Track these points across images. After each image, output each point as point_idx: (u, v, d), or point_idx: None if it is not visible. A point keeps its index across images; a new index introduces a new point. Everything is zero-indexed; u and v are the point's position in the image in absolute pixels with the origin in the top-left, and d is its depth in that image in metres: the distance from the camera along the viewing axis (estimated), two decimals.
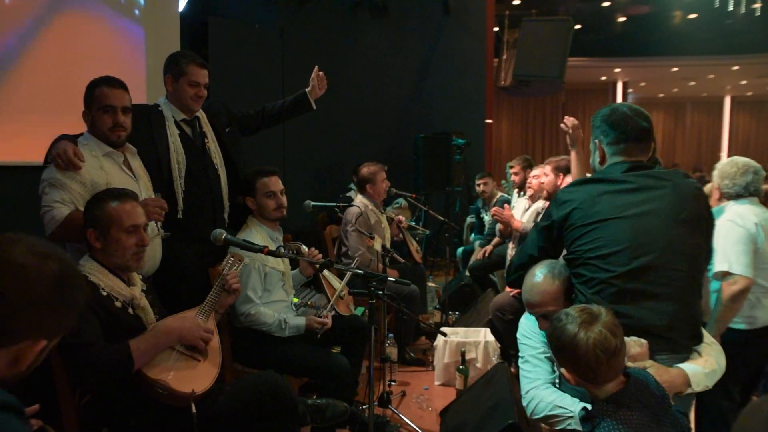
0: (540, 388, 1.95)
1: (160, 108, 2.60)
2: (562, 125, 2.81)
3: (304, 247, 2.82)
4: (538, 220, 2.73)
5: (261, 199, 2.74)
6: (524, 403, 2.00)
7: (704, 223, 1.92)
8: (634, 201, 1.88)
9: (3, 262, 1.03)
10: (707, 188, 2.69)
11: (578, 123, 2.75)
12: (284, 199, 2.78)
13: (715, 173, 2.66)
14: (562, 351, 1.58)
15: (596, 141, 2.04)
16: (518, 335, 2.20)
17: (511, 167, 5.09)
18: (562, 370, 1.61)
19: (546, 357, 2.07)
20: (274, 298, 2.72)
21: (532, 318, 2.19)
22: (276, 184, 2.75)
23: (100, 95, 2.22)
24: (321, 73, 3.05)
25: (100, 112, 2.22)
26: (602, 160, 2.03)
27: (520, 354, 2.16)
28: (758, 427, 0.86)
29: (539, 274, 2.01)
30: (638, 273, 1.80)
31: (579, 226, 1.90)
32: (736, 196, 2.54)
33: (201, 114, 2.70)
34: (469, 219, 6.41)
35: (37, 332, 1.05)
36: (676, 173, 1.99)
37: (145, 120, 2.51)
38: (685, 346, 1.83)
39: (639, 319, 1.76)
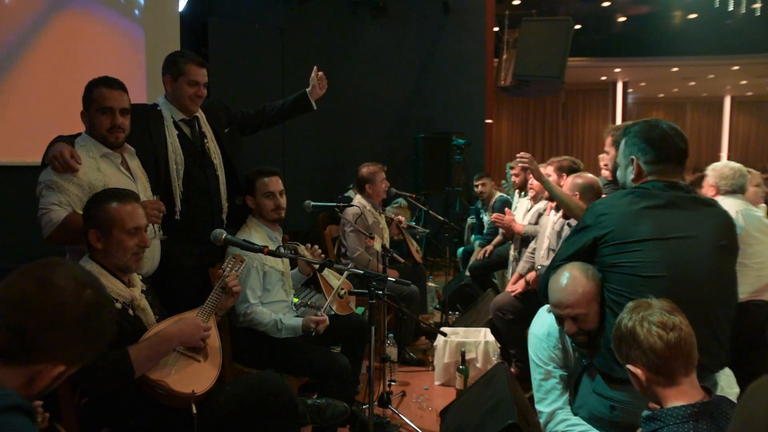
0: (557, 421, 2.02)
1: (158, 108, 2.59)
2: (520, 161, 3.08)
3: (301, 246, 2.82)
4: (564, 232, 2.66)
5: (260, 199, 2.73)
6: (546, 427, 2.06)
7: (736, 251, 1.95)
8: (677, 222, 1.84)
9: (43, 281, 1.07)
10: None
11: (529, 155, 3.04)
12: (283, 201, 2.77)
13: (712, 173, 3.15)
14: (624, 342, 1.47)
15: (632, 158, 1.97)
16: (530, 353, 2.20)
17: (512, 168, 5.09)
18: (629, 368, 1.48)
19: (559, 375, 2.11)
20: (274, 298, 2.72)
21: (543, 335, 2.17)
22: (275, 184, 2.75)
23: (99, 96, 2.21)
24: (321, 72, 3.05)
25: (99, 113, 2.21)
26: (637, 178, 1.97)
27: (533, 375, 2.18)
28: (760, 407, 0.86)
29: (571, 274, 1.94)
30: (676, 303, 1.77)
31: (617, 244, 1.86)
32: (731, 192, 3.08)
33: (200, 114, 2.69)
34: (470, 220, 6.41)
35: (58, 356, 1.07)
36: (713, 200, 2.04)
37: (143, 120, 2.50)
38: (712, 371, 1.83)
39: None
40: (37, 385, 1.07)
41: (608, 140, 2.94)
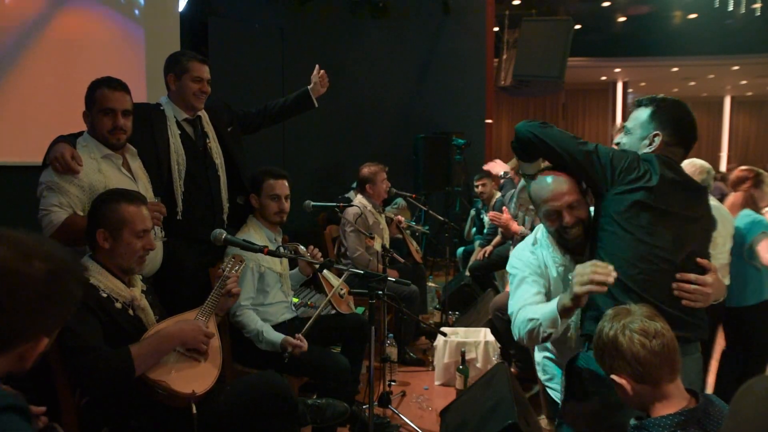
0: (519, 314, 1.97)
1: (161, 107, 2.59)
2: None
3: (302, 247, 2.82)
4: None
5: (264, 200, 2.74)
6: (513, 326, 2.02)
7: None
8: (689, 201, 1.88)
9: None
10: None
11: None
12: (287, 205, 2.78)
13: None
14: (606, 352, 1.45)
15: (657, 133, 1.94)
16: (507, 268, 2.18)
17: (507, 173, 5.07)
18: (614, 377, 1.46)
19: (533, 280, 2.06)
20: (272, 299, 2.72)
21: (518, 251, 2.19)
22: (282, 188, 2.76)
23: (101, 97, 2.21)
24: (322, 71, 3.06)
25: (101, 114, 2.21)
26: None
27: (510, 290, 2.14)
28: (751, 408, 0.86)
29: (551, 175, 2.02)
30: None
31: (639, 202, 1.82)
32: None
33: (203, 114, 2.70)
34: (473, 212, 6.36)
35: (37, 333, 1.04)
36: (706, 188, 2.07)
37: (146, 120, 2.50)
38: (692, 341, 1.85)
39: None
40: (27, 361, 1.05)
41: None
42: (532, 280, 2.07)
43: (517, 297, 2.06)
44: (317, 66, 3.08)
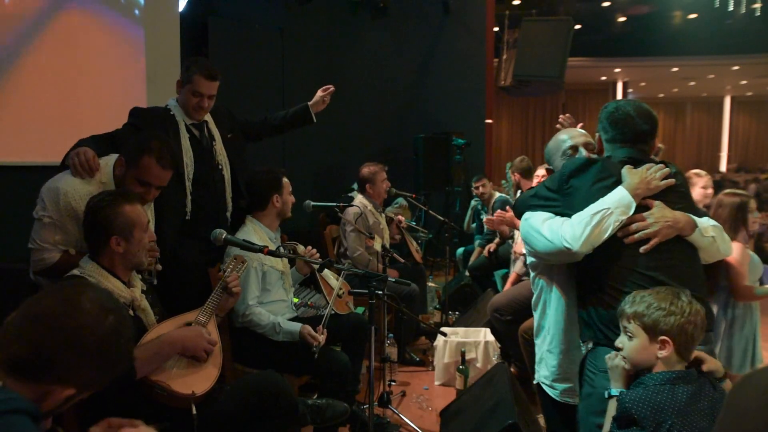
0: (551, 223, 1.96)
1: (171, 112, 2.61)
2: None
3: (300, 246, 2.83)
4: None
5: (286, 196, 2.81)
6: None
7: None
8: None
9: (70, 302, 1.11)
10: None
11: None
12: None
13: None
14: (657, 315, 1.59)
15: (597, 135, 2.15)
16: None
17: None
18: (663, 338, 1.58)
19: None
20: (273, 297, 2.72)
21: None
22: None
23: (147, 170, 2.10)
24: (331, 89, 3.07)
25: (135, 181, 2.12)
26: (599, 154, 2.15)
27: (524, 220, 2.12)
28: (752, 401, 0.84)
29: None
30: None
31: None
32: None
33: (208, 117, 2.72)
34: (473, 202, 6.32)
35: (71, 379, 1.09)
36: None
37: (161, 125, 2.51)
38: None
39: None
40: (46, 405, 1.09)
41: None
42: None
43: (534, 218, 2.02)
44: (331, 87, 3.08)
